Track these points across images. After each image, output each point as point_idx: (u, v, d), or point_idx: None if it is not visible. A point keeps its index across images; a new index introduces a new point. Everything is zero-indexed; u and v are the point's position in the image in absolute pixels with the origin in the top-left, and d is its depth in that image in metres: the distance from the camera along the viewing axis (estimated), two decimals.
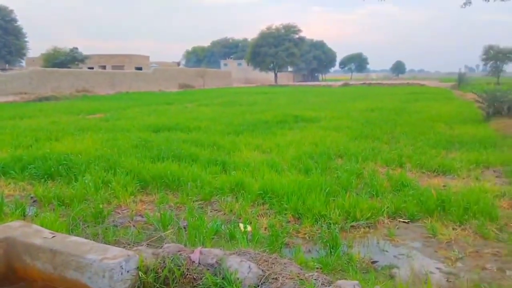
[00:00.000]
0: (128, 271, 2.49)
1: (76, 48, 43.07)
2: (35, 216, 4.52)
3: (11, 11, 55.06)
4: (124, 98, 25.87)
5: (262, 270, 2.53)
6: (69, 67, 37.80)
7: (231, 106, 19.71)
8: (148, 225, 4.29)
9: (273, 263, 2.60)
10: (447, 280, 3.13)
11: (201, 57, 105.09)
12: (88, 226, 4.13)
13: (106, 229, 4.00)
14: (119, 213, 4.77)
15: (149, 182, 5.77)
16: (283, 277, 2.43)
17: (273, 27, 69.47)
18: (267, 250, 3.07)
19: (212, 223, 4.12)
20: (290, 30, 70.07)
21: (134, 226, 4.19)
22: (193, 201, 5.03)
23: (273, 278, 2.44)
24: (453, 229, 4.11)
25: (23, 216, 4.63)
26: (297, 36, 71.02)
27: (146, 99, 25.31)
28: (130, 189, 5.39)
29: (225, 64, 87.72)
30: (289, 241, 3.85)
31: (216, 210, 4.85)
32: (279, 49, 66.24)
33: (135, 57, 55.11)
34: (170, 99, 25.44)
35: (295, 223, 4.29)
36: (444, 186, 5.55)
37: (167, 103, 21.91)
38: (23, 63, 59.91)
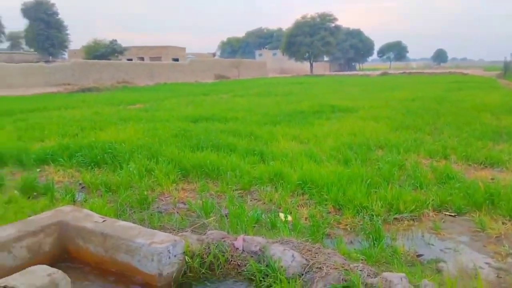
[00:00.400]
0: (175, 256, 2.56)
1: (115, 40, 44.29)
2: (84, 202, 4.73)
3: (53, 5, 57.14)
4: (162, 89, 26.42)
5: (306, 259, 2.53)
6: (109, 59, 38.96)
7: (266, 96, 19.69)
8: (191, 212, 4.38)
9: (317, 253, 2.60)
10: (497, 276, 3.01)
11: (236, 48, 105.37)
12: (134, 212, 4.28)
13: (151, 215, 4.12)
14: (162, 200, 4.90)
15: (189, 171, 5.89)
16: (327, 266, 2.42)
17: (308, 16, 68.59)
18: (310, 240, 3.07)
19: (253, 212, 4.16)
20: (325, 18, 68.88)
21: (177, 213, 4.30)
22: (233, 190, 5.08)
23: (317, 268, 2.44)
24: (503, 223, 3.94)
25: (73, 201, 4.84)
26: (333, 24, 69.74)
27: (183, 90, 25.72)
28: (172, 177, 5.52)
29: (260, 55, 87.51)
30: (330, 231, 3.82)
31: (256, 199, 4.88)
32: (314, 38, 65.33)
33: (172, 48, 56.00)
34: (206, 90, 25.73)
35: (336, 214, 4.25)
36: (492, 179, 5.32)
37: (203, 94, 22.17)
38: (65, 55, 62.19)
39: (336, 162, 6.13)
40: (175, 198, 4.93)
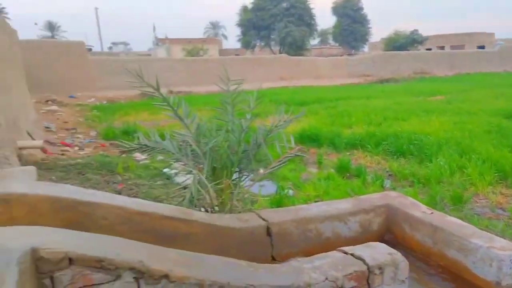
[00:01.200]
0: None
1: (416, 30, 43.37)
2: (393, 189, 4.89)
3: (359, 0, 60.99)
4: (464, 80, 24.13)
5: None
6: (407, 50, 38.65)
7: None
8: None
9: None
10: None
11: None
12: (450, 209, 4.10)
13: (469, 215, 3.85)
14: (477, 201, 4.50)
15: (508, 174, 5.15)
16: None
17: None
18: None
19: None
20: None
21: (502, 219, 3.84)
22: None
23: None
24: None
25: (382, 187, 5.10)
26: None
27: (489, 80, 22.66)
28: (488, 178, 4.97)
29: None
30: None
31: None
32: None
33: (477, 35, 50.05)
34: None
35: None
36: None
37: None
38: (365, 48, 65.68)
39: None
40: (492, 202, 4.43)
